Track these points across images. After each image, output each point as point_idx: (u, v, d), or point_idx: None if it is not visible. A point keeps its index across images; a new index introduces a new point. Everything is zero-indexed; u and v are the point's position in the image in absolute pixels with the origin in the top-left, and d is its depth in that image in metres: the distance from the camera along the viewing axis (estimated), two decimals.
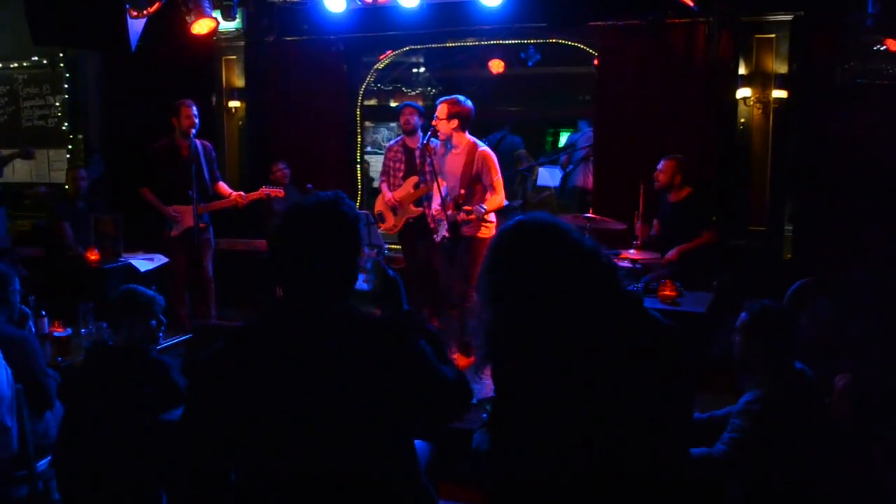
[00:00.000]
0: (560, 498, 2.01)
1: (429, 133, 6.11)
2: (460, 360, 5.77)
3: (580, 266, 2.05)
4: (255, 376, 1.95)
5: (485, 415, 2.60)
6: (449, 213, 5.64)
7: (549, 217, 2.18)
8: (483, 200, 5.60)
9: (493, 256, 2.15)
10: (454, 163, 5.70)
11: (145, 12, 5.30)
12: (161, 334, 3.81)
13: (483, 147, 5.64)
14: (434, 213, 5.87)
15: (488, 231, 5.70)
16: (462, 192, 5.64)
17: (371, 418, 1.95)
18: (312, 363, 1.95)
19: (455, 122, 5.56)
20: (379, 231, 6.60)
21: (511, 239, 2.13)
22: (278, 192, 6.64)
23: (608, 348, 2.00)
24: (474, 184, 5.64)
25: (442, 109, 5.58)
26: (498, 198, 5.59)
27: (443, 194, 5.63)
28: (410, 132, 6.54)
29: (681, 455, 2.10)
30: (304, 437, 1.92)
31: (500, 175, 5.62)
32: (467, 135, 5.67)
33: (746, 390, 3.07)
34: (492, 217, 5.74)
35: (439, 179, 5.71)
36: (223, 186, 6.60)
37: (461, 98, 5.62)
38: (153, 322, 3.69)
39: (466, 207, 5.62)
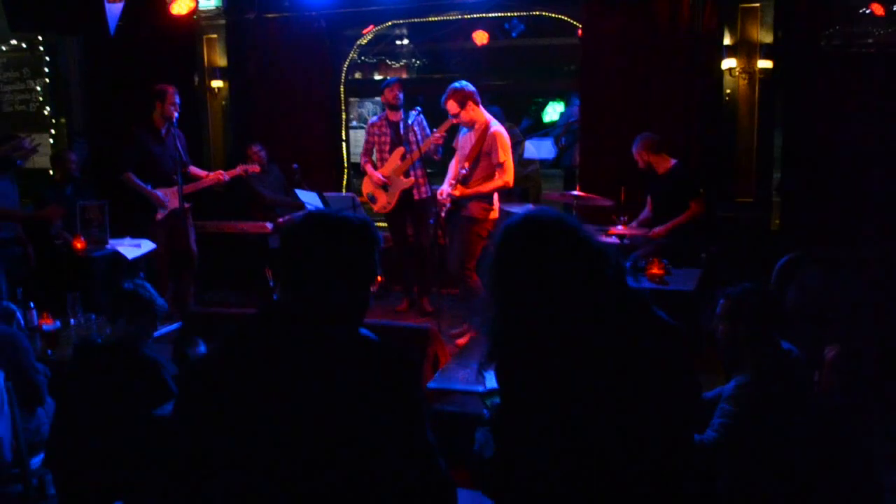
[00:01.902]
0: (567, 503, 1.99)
1: (413, 114, 6.15)
2: (473, 334, 5.81)
3: (587, 264, 2.01)
4: (247, 387, 1.91)
5: (485, 410, 2.57)
6: (448, 189, 5.77)
7: (556, 213, 2.13)
8: (491, 179, 5.64)
9: (499, 252, 2.10)
10: (468, 141, 5.80)
11: None
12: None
13: (495, 127, 5.70)
14: (440, 194, 5.93)
15: (484, 212, 5.72)
16: (467, 165, 5.68)
17: (356, 446, 1.91)
18: (307, 382, 1.90)
19: (469, 105, 5.69)
20: (371, 213, 6.59)
21: (517, 234, 2.07)
22: (254, 168, 6.95)
23: (615, 348, 1.97)
24: (481, 161, 5.69)
25: (452, 105, 5.70)
26: (503, 178, 5.65)
27: (450, 172, 5.81)
28: (395, 107, 6.51)
29: (688, 456, 2.08)
30: (285, 458, 1.89)
31: (509, 156, 5.67)
32: (485, 113, 5.77)
33: (734, 375, 3.07)
34: (494, 200, 5.75)
35: (456, 158, 5.83)
36: (195, 169, 6.74)
37: (457, 85, 5.72)
38: (153, 321, 3.69)
39: (450, 188, 5.68)
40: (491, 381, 2.23)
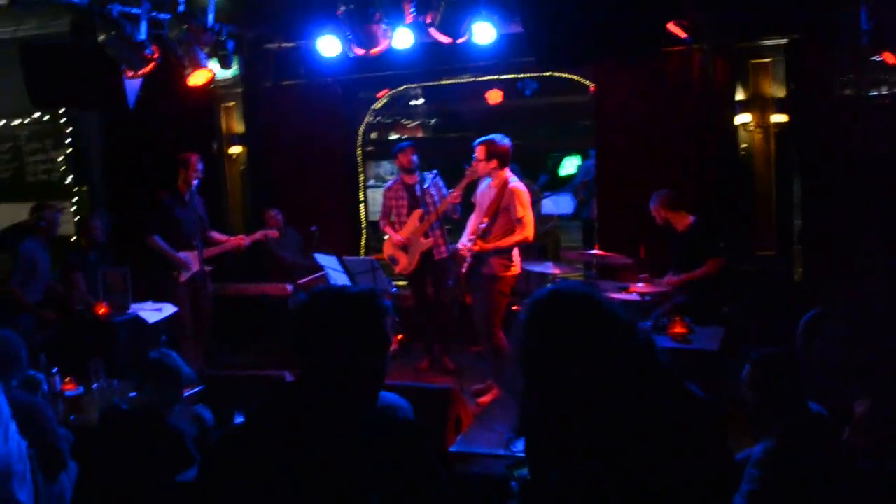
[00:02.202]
0: None
1: (429, 177, 6.20)
2: (496, 393, 5.78)
3: (616, 341, 1.98)
4: (265, 466, 1.90)
5: (514, 483, 2.52)
6: (467, 244, 5.80)
7: (584, 287, 2.11)
8: (510, 234, 5.65)
9: (526, 327, 2.07)
10: (486, 197, 5.81)
11: (141, 73, 5.35)
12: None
13: (514, 183, 5.72)
14: (460, 246, 5.95)
15: (504, 268, 5.72)
16: (486, 220, 5.69)
17: None
18: (328, 462, 1.89)
19: (494, 162, 5.70)
20: (392, 274, 6.61)
21: (544, 311, 2.06)
22: (273, 233, 7.06)
23: (646, 426, 1.93)
24: (500, 217, 5.70)
25: (480, 151, 5.71)
26: (523, 233, 5.64)
27: (468, 227, 5.85)
28: (410, 171, 6.57)
29: None
30: None
31: (528, 211, 5.67)
32: (506, 171, 5.76)
33: (762, 438, 3.02)
34: (514, 256, 5.76)
35: (475, 213, 5.86)
36: (217, 235, 6.86)
37: (497, 138, 5.73)
38: (179, 392, 3.74)
39: (470, 243, 5.70)
40: (519, 447, 2.20)
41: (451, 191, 6.30)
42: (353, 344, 1.99)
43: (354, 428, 1.93)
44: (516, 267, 5.80)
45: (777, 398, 3.03)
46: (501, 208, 5.68)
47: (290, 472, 1.88)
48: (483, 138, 5.74)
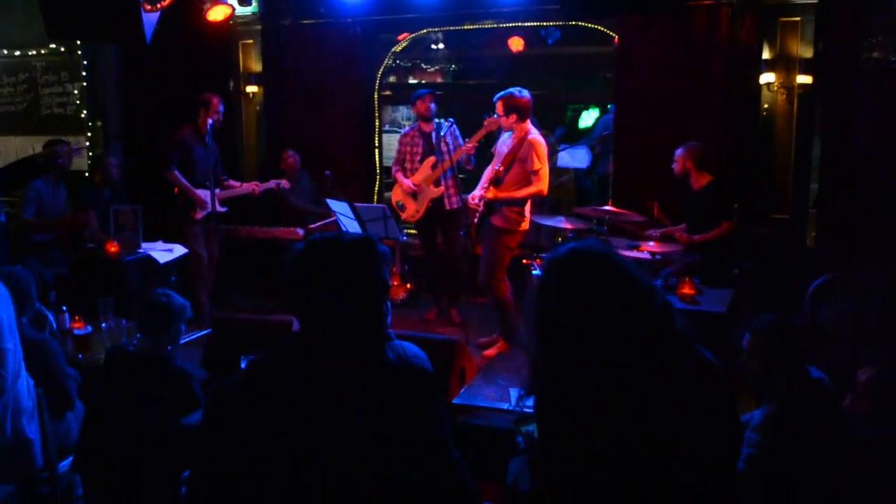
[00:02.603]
0: None
1: (446, 125, 6.14)
2: (502, 346, 5.80)
3: (632, 301, 1.97)
4: (272, 413, 1.92)
5: (520, 438, 2.53)
6: (480, 192, 5.75)
7: (603, 247, 2.09)
8: (525, 186, 5.62)
9: (542, 286, 2.06)
10: (505, 146, 5.77)
11: (159, 6, 5.28)
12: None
13: (534, 135, 5.67)
14: (470, 197, 5.92)
15: (514, 222, 5.68)
16: (501, 168, 5.67)
17: (383, 462, 1.91)
18: (328, 405, 1.91)
19: (514, 116, 5.64)
20: (399, 221, 6.59)
21: (562, 270, 2.04)
22: (285, 182, 7.00)
23: (657, 387, 1.93)
24: (515, 166, 5.65)
25: (499, 106, 5.66)
26: (538, 186, 5.60)
27: (483, 179, 5.80)
28: (427, 118, 6.52)
29: (728, 494, 2.04)
30: (311, 477, 1.89)
31: (545, 164, 5.62)
32: (527, 124, 5.71)
33: (762, 403, 3.03)
34: (525, 211, 5.73)
35: (492, 164, 5.80)
36: (231, 182, 6.86)
37: (516, 91, 5.65)
38: (179, 329, 3.78)
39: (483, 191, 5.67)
40: (529, 403, 2.20)
41: (467, 140, 6.23)
42: (350, 290, 1.98)
43: (356, 373, 1.95)
44: (526, 222, 5.76)
45: (777, 365, 3.03)
46: (518, 159, 5.63)
47: (292, 419, 1.91)
48: (501, 93, 5.67)
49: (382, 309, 2.06)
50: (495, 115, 5.75)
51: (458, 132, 6.52)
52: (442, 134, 6.35)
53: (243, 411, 1.97)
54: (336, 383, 1.93)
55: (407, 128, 6.91)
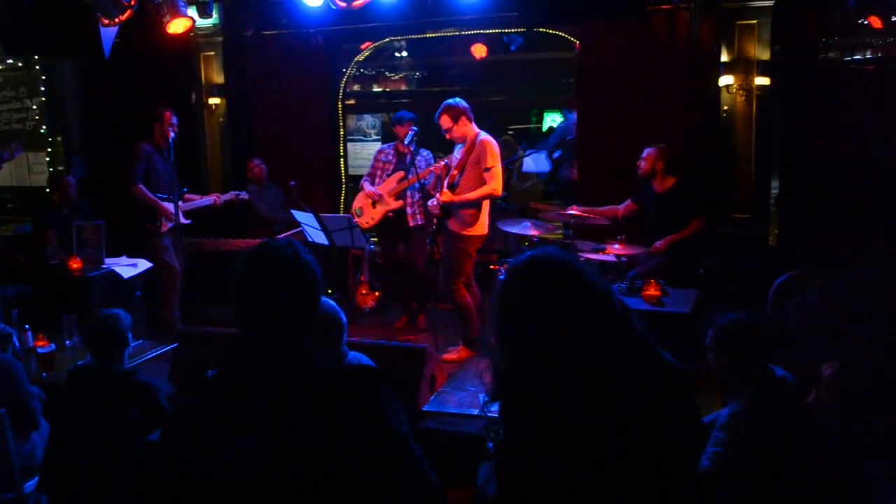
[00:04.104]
0: None
1: (411, 134, 6.16)
2: (463, 352, 5.80)
3: (592, 308, 1.99)
4: (222, 431, 1.91)
5: (490, 444, 2.54)
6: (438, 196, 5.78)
7: (562, 254, 2.11)
8: (478, 188, 5.63)
9: (503, 293, 2.08)
10: (459, 154, 5.81)
11: (117, 20, 5.23)
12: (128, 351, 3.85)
13: (483, 135, 5.73)
14: (430, 204, 5.96)
15: (467, 226, 5.69)
16: (455, 172, 5.73)
17: (337, 482, 1.89)
18: (275, 419, 1.90)
19: (462, 120, 5.70)
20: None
21: (522, 277, 2.06)
22: (244, 195, 7.05)
23: (619, 391, 1.96)
24: (469, 170, 5.69)
25: (446, 120, 5.71)
26: (490, 186, 5.63)
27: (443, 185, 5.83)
28: (405, 142, 6.52)
29: (690, 498, 2.07)
30: (269, 492, 1.88)
31: (497, 164, 5.66)
32: (474, 127, 5.77)
33: (728, 402, 3.06)
34: (481, 214, 5.74)
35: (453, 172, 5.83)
36: (190, 195, 6.82)
37: (451, 102, 5.73)
38: (125, 346, 3.72)
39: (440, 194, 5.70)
40: (494, 409, 2.21)
41: (440, 161, 6.18)
42: (281, 302, 1.95)
43: (303, 384, 1.93)
44: (481, 227, 5.76)
45: (740, 363, 3.08)
46: (471, 162, 5.68)
47: (248, 432, 1.88)
48: (440, 110, 5.75)
49: (314, 315, 2.04)
50: (443, 132, 5.79)
51: (431, 159, 6.50)
52: (406, 142, 6.33)
53: (200, 428, 1.96)
54: (282, 397, 1.92)
55: (386, 145, 6.95)
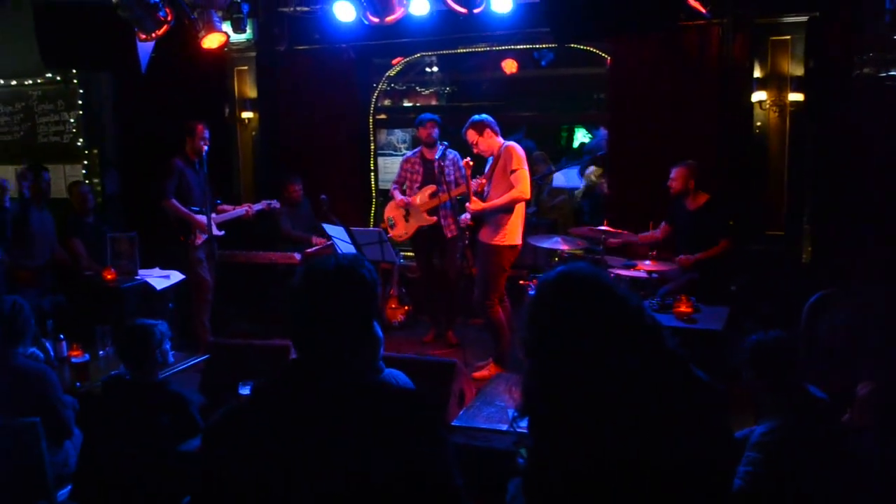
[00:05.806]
0: None
1: (441, 148, 6.18)
2: (493, 369, 5.78)
3: (623, 324, 1.98)
4: (267, 444, 1.91)
5: (520, 459, 2.53)
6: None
7: (593, 270, 2.10)
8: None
9: (533, 309, 2.08)
10: (489, 166, 5.86)
11: (153, 35, 5.31)
12: (171, 356, 3.90)
13: (508, 143, 5.79)
14: (462, 218, 6.05)
15: (498, 236, 5.69)
16: (484, 181, 5.81)
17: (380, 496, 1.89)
18: (323, 434, 1.90)
19: (488, 133, 5.77)
20: (389, 240, 6.60)
21: (553, 293, 2.06)
22: (275, 204, 7.06)
23: (651, 409, 1.93)
24: (498, 177, 5.74)
25: (472, 134, 5.79)
26: (517, 189, 5.63)
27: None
28: (430, 144, 6.55)
29: None
30: None
31: (522, 166, 5.67)
32: (499, 139, 5.83)
33: (761, 420, 3.02)
34: (512, 223, 5.73)
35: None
36: (223, 206, 6.89)
37: (476, 118, 5.80)
38: (158, 354, 3.73)
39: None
40: (523, 425, 2.20)
41: (477, 178, 6.06)
42: (338, 317, 1.96)
43: (353, 400, 1.93)
44: (513, 236, 5.74)
45: (775, 382, 3.05)
46: (499, 170, 5.72)
47: (292, 448, 1.88)
48: (465, 126, 5.83)
49: (371, 334, 2.06)
50: (471, 147, 5.86)
51: (459, 160, 6.40)
52: (438, 158, 6.35)
53: (243, 438, 1.96)
54: (331, 411, 1.92)
55: (410, 153, 6.95)
